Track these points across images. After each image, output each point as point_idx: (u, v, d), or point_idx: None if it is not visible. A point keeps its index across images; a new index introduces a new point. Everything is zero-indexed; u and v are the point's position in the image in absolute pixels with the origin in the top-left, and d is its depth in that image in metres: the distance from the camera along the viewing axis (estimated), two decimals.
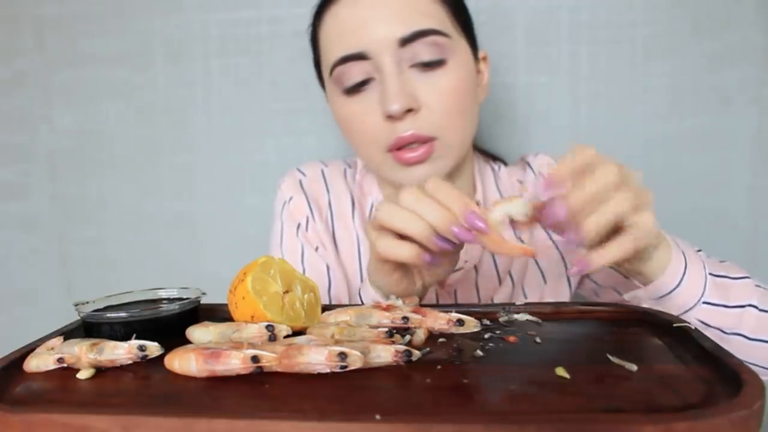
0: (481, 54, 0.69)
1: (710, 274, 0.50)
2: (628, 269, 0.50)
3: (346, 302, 0.71)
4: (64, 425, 0.31)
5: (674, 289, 0.49)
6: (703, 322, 0.50)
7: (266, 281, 0.45)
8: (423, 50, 0.59)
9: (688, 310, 0.50)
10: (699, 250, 0.53)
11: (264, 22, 0.91)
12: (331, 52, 0.63)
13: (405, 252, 0.46)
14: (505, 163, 0.79)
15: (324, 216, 0.74)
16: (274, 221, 0.75)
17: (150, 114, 0.95)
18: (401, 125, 0.60)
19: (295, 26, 0.90)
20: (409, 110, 0.59)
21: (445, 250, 0.46)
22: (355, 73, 0.61)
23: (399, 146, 0.61)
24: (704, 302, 0.50)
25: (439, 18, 0.61)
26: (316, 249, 0.73)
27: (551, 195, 0.42)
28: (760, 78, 0.84)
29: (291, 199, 0.74)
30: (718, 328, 0.51)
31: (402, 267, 0.51)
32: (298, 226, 0.73)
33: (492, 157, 0.81)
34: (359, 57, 0.60)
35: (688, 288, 0.49)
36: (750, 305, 0.52)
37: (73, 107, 0.97)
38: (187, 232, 0.98)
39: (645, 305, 0.52)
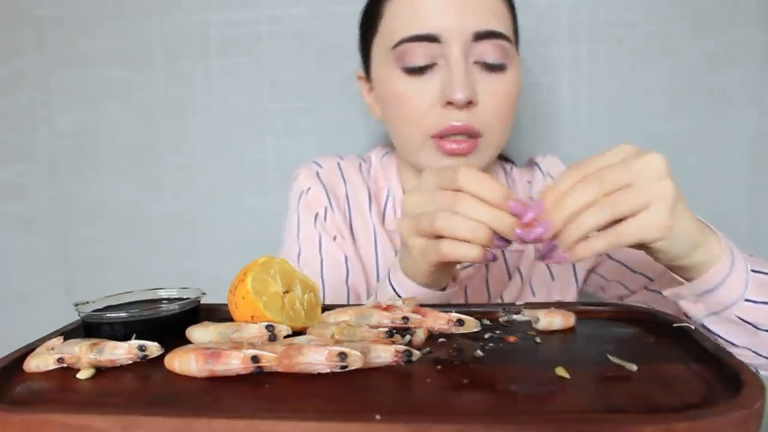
0: None
1: (752, 270, 0.49)
2: (672, 265, 0.49)
3: (364, 292, 0.71)
4: (64, 425, 0.31)
5: (718, 285, 0.48)
6: (741, 318, 0.49)
7: (266, 281, 0.45)
8: (490, 51, 0.61)
9: (728, 307, 0.49)
10: None
11: (263, 22, 0.91)
12: (400, 28, 0.63)
13: (473, 253, 0.46)
14: (514, 164, 0.79)
15: (342, 207, 0.73)
16: (290, 213, 0.74)
17: (149, 114, 0.95)
18: (457, 114, 0.61)
19: (294, 26, 0.90)
20: (469, 102, 0.60)
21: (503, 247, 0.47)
22: (420, 53, 0.61)
23: (446, 134, 0.62)
24: (746, 299, 0.48)
25: (508, 25, 0.64)
26: (334, 238, 0.72)
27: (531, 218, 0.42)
28: (760, 78, 0.84)
29: (309, 189, 0.73)
30: (753, 324, 0.50)
31: (446, 263, 0.51)
32: (316, 215, 0.72)
33: (502, 158, 0.81)
34: (430, 39, 0.61)
35: (733, 284, 0.48)
36: None
37: (73, 107, 0.97)
38: (187, 232, 0.98)
39: (685, 303, 0.51)
